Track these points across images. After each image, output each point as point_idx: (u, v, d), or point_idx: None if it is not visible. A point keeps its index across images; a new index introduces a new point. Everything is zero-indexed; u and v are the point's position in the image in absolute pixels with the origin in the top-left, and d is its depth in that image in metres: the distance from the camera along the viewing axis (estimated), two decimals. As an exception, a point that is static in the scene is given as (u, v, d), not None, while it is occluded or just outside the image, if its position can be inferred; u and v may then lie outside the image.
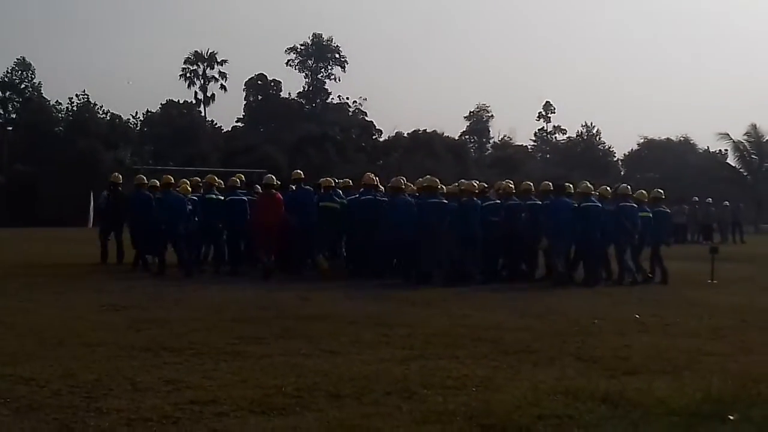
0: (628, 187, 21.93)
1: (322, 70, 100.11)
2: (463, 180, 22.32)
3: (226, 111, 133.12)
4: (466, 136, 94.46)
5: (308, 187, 21.79)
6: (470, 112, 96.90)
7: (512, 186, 21.66)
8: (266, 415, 7.32)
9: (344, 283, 18.88)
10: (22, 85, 76.90)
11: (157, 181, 22.52)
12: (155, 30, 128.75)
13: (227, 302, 15.01)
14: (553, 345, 10.92)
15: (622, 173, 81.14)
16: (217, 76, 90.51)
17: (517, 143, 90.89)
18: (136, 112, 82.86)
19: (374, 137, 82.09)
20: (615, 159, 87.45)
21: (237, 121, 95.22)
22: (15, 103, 75.69)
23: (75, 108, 74.63)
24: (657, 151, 79.96)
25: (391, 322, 12.64)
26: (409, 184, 21.86)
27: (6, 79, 75.70)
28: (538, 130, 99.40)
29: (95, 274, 20.52)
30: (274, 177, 21.63)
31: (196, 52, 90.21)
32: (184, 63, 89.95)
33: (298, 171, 22.59)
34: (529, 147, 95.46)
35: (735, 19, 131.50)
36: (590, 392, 8.15)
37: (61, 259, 23.90)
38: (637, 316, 13.96)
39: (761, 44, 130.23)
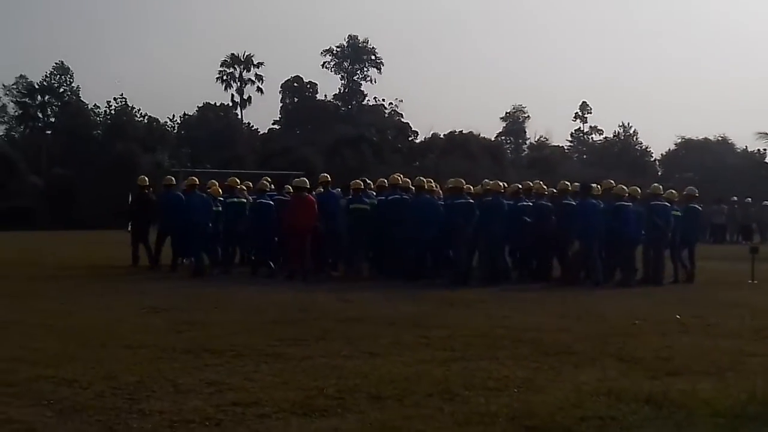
0: (659, 186, 21.86)
1: (358, 71, 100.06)
2: (487, 180, 22.32)
3: (263, 113, 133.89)
4: (503, 137, 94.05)
5: (336, 189, 22.03)
6: (506, 113, 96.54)
7: (544, 187, 21.88)
8: (308, 417, 7.33)
9: (383, 285, 18.87)
10: (61, 89, 77.70)
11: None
12: (192, 33, 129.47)
13: (267, 304, 15.05)
14: (593, 346, 10.85)
15: (659, 173, 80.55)
16: (253, 78, 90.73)
17: (553, 144, 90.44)
18: (174, 116, 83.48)
19: (410, 138, 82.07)
20: (652, 159, 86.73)
21: (273, 124, 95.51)
22: (54, 107, 76.50)
23: (113, 111, 75.29)
24: (695, 151, 79.22)
25: (430, 324, 12.63)
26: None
27: (45, 83, 76.48)
28: (575, 130, 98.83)
29: (135, 276, 20.66)
30: (306, 179, 21.74)
31: (232, 54, 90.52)
32: (221, 66, 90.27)
33: (325, 174, 22.70)
34: (565, 148, 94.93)
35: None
36: (633, 393, 8.10)
37: (101, 261, 24.07)
38: (677, 316, 13.84)
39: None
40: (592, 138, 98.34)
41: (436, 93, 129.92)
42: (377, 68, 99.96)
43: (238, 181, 22.74)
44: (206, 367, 9.34)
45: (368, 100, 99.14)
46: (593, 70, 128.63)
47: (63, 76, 78.22)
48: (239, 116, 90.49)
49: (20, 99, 76.81)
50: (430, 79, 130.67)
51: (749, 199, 44.55)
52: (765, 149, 72.51)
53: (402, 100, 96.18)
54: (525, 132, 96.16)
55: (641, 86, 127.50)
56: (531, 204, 20.97)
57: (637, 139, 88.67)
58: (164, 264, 22.41)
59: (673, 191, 22.04)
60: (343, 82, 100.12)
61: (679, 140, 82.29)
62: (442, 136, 75.75)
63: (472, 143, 71.87)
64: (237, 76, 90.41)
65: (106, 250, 27.20)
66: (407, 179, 21.87)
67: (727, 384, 8.69)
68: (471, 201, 20.27)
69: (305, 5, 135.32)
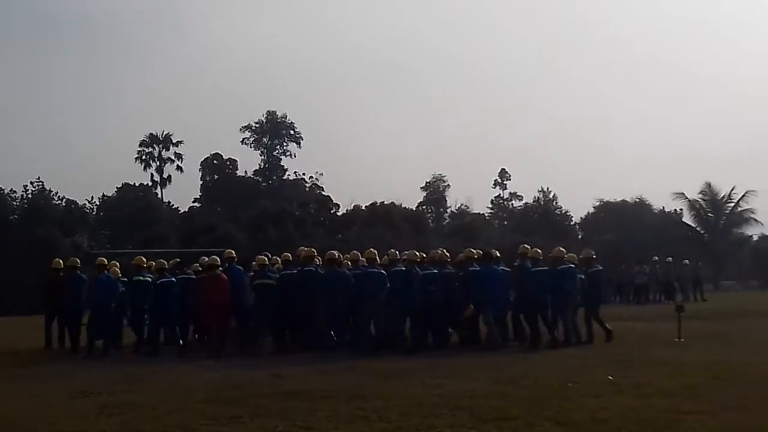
0: (563, 249, 22.18)
1: (278, 147, 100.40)
2: (392, 250, 22.73)
3: (183, 191, 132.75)
4: (424, 207, 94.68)
5: (239, 266, 22.12)
6: (426, 182, 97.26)
7: (447, 254, 22.04)
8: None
9: (314, 358, 18.74)
10: (-23, 175, 76.59)
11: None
12: (109, 113, 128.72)
13: (197, 383, 14.83)
14: (530, 410, 10.86)
15: (579, 236, 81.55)
16: (173, 157, 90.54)
17: (474, 211, 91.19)
18: (92, 197, 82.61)
19: (332, 211, 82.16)
20: (572, 223, 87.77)
21: (194, 201, 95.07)
22: (-30, 193, 75.24)
23: (30, 195, 74.37)
24: (613, 213, 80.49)
25: (365, 395, 12.55)
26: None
27: (-41, 169, 75.38)
28: (495, 197, 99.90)
29: (58, 360, 20.25)
30: (216, 257, 21.86)
31: (151, 134, 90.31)
32: (140, 146, 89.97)
33: (230, 250, 23.25)
34: (486, 215, 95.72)
35: (685, 77, 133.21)
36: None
37: (20, 347, 23.50)
38: (610, 377, 13.92)
39: (712, 101, 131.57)
40: (512, 204, 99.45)
41: (356, 165, 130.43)
42: (296, 143, 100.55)
43: (144, 260, 22.93)
44: (140, 450, 9.18)
45: (289, 175, 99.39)
46: (511, 137, 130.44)
47: (-22, 161, 77.42)
48: (159, 195, 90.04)
49: (-66, 185, 75.67)
50: (349, 151, 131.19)
51: (670, 258, 45.34)
52: (681, 209, 73.99)
53: (322, 174, 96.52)
54: (446, 200, 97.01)
55: (559, 151, 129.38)
56: (436, 272, 21.11)
57: (556, 203, 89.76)
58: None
59: (573, 255, 22.46)
60: (263, 157, 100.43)
61: (598, 203, 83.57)
62: (363, 207, 76.03)
63: (394, 213, 72.21)
64: (156, 155, 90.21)
65: (25, 336, 26.62)
66: (312, 251, 22.11)
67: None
68: (382, 271, 20.71)
69: (222, 83, 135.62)
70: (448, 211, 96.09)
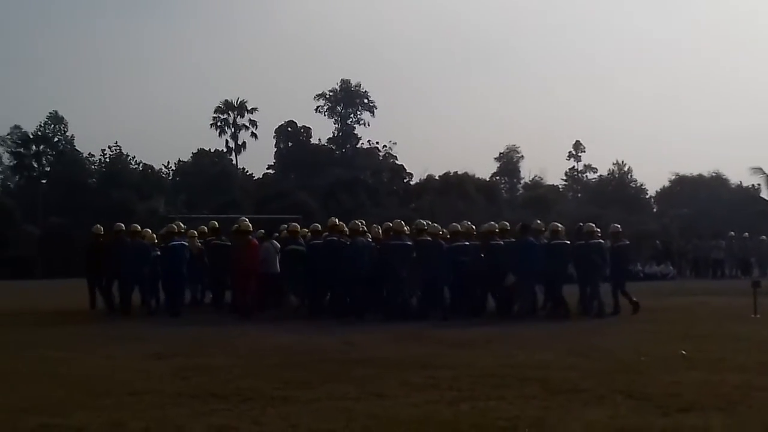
0: (592, 225, 22.61)
1: (351, 115, 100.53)
2: (419, 220, 23.22)
3: (257, 158, 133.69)
4: (497, 177, 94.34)
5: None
6: (500, 153, 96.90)
7: (473, 227, 22.97)
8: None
9: (386, 326, 18.80)
10: (55, 139, 77.83)
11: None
12: (185, 80, 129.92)
13: (270, 347, 14.98)
14: (602, 383, 10.77)
15: (654, 210, 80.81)
16: (247, 124, 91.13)
17: (548, 183, 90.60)
18: (168, 162, 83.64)
19: (405, 180, 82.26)
20: (647, 196, 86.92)
21: (268, 168, 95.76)
22: (49, 156, 76.51)
23: (108, 159, 75.48)
24: (689, 186, 79.58)
25: (436, 364, 12.55)
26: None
27: (39, 133, 76.60)
28: (569, 169, 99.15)
29: (135, 322, 20.54)
30: (248, 223, 23.03)
31: (226, 101, 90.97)
32: (215, 112, 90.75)
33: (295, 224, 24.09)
34: (560, 186, 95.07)
35: (761, 55, 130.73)
36: (644, 430, 8.05)
37: (98, 308, 23.91)
38: (683, 352, 13.76)
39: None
40: (586, 176, 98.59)
41: (430, 134, 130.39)
42: (370, 111, 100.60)
43: (178, 226, 24.30)
44: (213, 412, 9.26)
45: (362, 144, 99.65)
46: (586, 109, 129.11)
47: (57, 126, 78.43)
48: (234, 162, 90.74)
49: (15, 149, 76.88)
50: (423, 121, 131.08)
51: (746, 234, 44.64)
52: (759, 184, 72.74)
53: (396, 143, 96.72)
54: (519, 171, 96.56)
55: (635, 124, 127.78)
56: (467, 244, 21.82)
57: (631, 176, 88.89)
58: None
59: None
60: (336, 126, 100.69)
61: (674, 177, 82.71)
62: (437, 177, 75.94)
63: (467, 184, 72.08)
64: (231, 122, 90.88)
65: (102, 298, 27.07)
66: (342, 223, 22.85)
67: (738, 419, 8.65)
68: (408, 243, 21.41)
69: (298, 51, 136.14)
70: (522, 182, 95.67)
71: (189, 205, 67.17)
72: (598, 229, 22.98)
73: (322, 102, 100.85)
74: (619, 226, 23.52)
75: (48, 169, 76.92)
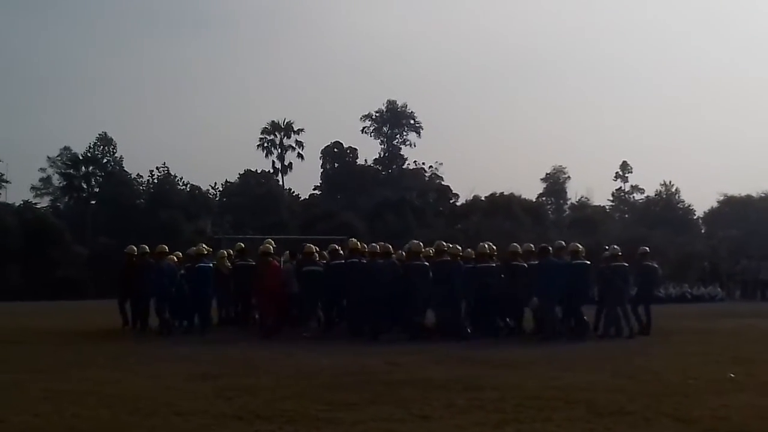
0: (617, 247, 22.99)
1: (398, 136, 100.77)
2: (438, 241, 23.22)
3: (304, 179, 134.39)
4: (544, 198, 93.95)
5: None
6: (547, 173, 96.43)
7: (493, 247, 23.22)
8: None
9: (431, 347, 18.79)
10: (104, 160, 78.52)
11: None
12: (233, 101, 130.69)
13: (315, 368, 14.99)
14: (648, 406, 10.70)
15: (702, 231, 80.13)
16: (294, 144, 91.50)
17: (594, 204, 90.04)
18: (216, 183, 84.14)
19: (452, 201, 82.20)
20: (695, 217, 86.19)
21: (314, 189, 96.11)
22: (98, 177, 77.13)
23: (156, 180, 76.07)
24: (738, 207, 78.80)
25: (481, 386, 12.53)
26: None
27: (89, 155, 77.31)
28: (616, 190, 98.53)
29: (181, 342, 20.67)
30: (270, 245, 23.44)
31: (273, 121, 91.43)
32: (262, 133, 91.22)
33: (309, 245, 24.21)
34: (607, 207, 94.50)
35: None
36: (692, 453, 7.99)
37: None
38: (731, 375, 13.64)
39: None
40: (633, 197, 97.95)
41: (476, 155, 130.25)
42: (416, 132, 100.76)
43: (205, 248, 24.79)
44: (258, 433, 9.31)
45: (408, 164, 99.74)
46: (633, 130, 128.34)
47: (106, 147, 79.12)
48: (280, 182, 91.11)
49: (65, 170, 77.63)
50: (469, 141, 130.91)
51: (796, 255, 44.20)
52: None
53: (442, 163, 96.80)
54: (566, 192, 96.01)
55: (682, 145, 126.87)
56: (492, 266, 22.35)
57: (679, 197, 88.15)
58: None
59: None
60: (382, 146, 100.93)
61: (722, 197, 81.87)
62: (483, 198, 75.76)
63: (513, 204, 71.83)
64: (278, 142, 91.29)
65: (151, 318, 27.28)
66: (365, 244, 23.52)
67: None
68: (426, 264, 21.66)
69: (344, 72, 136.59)
70: (568, 202, 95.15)
71: (236, 226, 67.47)
72: (647, 248, 23.49)
73: (368, 123, 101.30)
74: (647, 248, 24.00)
75: (97, 190, 77.55)
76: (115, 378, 14.05)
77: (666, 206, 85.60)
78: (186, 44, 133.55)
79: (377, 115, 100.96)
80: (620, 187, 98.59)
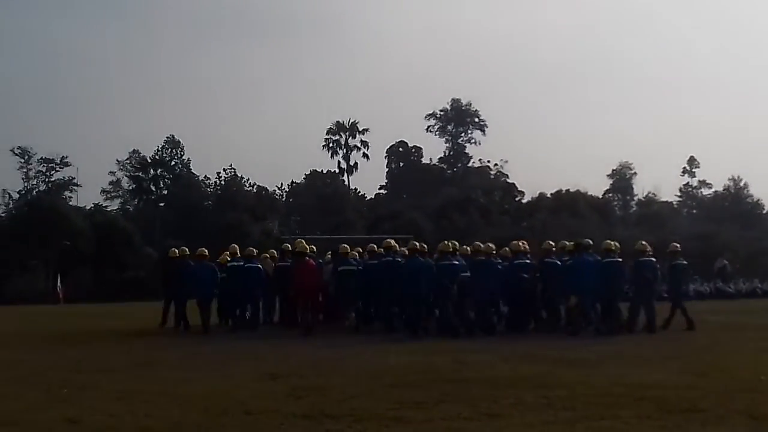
0: (644, 243, 23.20)
1: (462, 134, 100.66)
2: (476, 242, 24.20)
3: (369, 179, 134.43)
4: (610, 194, 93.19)
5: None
6: (613, 169, 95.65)
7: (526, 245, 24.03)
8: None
9: (499, 345, 18.76)
10: (172, 162, 79.36)
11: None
12: (298, 102, 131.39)
13: (383, 367, 15.01)
14: (720, 403, 10.59)
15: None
16: (359, 144, 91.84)
17: (662, 199, 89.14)
18: (282, 184, 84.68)
19: (517, 199, 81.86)
20: (765, 211, 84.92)
21: (380, 189, 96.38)
22: (166, 179, 78.07)
23: (223, 182, 76.72)
24: (809, 201, 77.73)
25: (549, 383, 12.47)
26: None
27: (157, 157, 78.21)
28: (684, 185, 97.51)
29: (250, 342, 20.81)
30: (305, 245, 24.23)
31: (338, 122, 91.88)
32: (327, 133, 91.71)
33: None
34: (674, 203, 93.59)
35: None
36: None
37: (214, 329, 24.37)
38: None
39: None
40: (701, 192, 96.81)
41: (541, 152, 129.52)
42: (481, 130, 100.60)
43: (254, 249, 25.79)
44: (327, 432, 9.35)
45: (473, 162, 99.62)
46: (700, 124, 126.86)
47: (174, 150, 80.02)
48: (346, 182, 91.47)
49: (134, 173, 78.71)
50: (534, 139, 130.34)
51: None
52: None
53: (507, 161, 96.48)
54: (633, 188, 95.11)
55: (751, 138, 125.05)
56: (528, 262, 23.32)
57: (747, 191, 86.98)
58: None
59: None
60: (447, 145, 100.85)
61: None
62: (549, 195, 75.40)
63: (579, 201, 71.39)
64: (343, 143, 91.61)
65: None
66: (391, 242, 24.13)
67: None
68: (455, 263, 22.32)
69: (408, 71, 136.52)
70: (635, 199, 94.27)
71: (302, 227, 67.86)
72: (678, 245, 24.15)
73: (432, 121, 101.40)
74: (678, 245, 24.32)
75: (165, 192, 78.51)
76: (186, 378, 14.18)
77: (734, 201, 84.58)
78: (251, 47, 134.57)
79: (442, 113, 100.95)
80: (688, 183, 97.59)
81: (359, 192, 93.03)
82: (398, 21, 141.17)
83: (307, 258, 23.55)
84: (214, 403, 11.36)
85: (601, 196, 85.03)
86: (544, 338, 20.55)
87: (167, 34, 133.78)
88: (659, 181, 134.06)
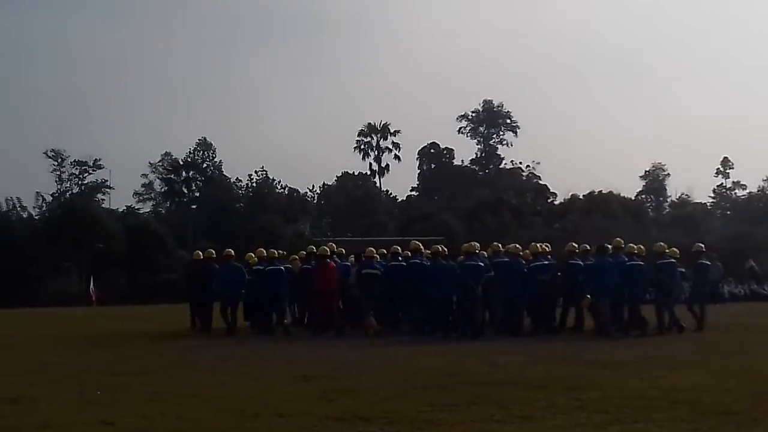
0: (663, 244, 23.54)
1: (494, 136, 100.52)
2: (495, 243, 24.75)
3: (401, 180, 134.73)
4: (643, 196, 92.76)
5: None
6: (646, 171, 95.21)
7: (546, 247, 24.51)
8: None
9: (531, 347, 18.73)
10: (204, 165, 79.74)
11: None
12: (329, 104, 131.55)
13: (415, 370, 14.99)
14: (754, 406, 10.52)
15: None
16: (390, 146, 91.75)
17: (695, 201, 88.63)
18: (313, 186, 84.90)
19: (549, 200, 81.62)
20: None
21: (411, 190, 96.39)
22: (198, 182, 78.45)
23: (254, 184, 76.99)
24: None
25: (582, 386, 12.43)
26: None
27: (189, 160, 78.61)
28: (717, 186, 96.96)
29: (282, 344, 20.87)
30: (326, 247, 25.08)
31: (369, 123, 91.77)
32: (358, 135, 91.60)
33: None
34: (708, 204, 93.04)
35: None
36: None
37: (244, 330, 24.51)
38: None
39: None
40: (735, 193, 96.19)
41: (574, 153, 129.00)
42: (513, 131, 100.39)
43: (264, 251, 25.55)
44: (360, 434, 9.36)
45: (505, 164, 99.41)
46: (733, 125, 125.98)
47: (206, 152, 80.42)
48: (378, 184, 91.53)
49: (166, 175, 79.13)
50: (567, 140, 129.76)
51: None
52: None
53: (539, 162, 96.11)
54: (666, 189, 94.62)
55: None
56: (546, 264, 23.58)
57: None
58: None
59: (675, 249, 23.69)
60: (479, 146, 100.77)
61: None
62: (581, 196, 75.07)
63: (612, 203, 71.07)
64: (374, 144, 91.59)
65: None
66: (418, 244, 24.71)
67: None
68: (480, 263, 22.42)
69: (439, 72, 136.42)
70: (668, 200, 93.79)
71: (334, 228, 68.01)
72: (702, 245, 24.80)
73: (464, 123, 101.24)
74: (702, 245, 24.84)
75: (197, 194, 78.90)
76: (218, 380, 14.22)
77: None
78: (281, 48, 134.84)
79: (473, 115, 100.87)
80: (722, 184, 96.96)
81: (391, 194, 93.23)
82: (430, 22, 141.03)
83: (328, 260, 24.00)
84: (246, 405, 11.39)
85: (633, 198, 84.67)
86: (577, 340, 20.50)
87: (199, 35, 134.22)
88: (693, 183, 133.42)
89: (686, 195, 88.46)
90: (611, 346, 18.73)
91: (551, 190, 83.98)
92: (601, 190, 74.35)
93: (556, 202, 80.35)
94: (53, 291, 55.72)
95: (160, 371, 15.58)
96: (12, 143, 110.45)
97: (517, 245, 23.87)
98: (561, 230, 57.68)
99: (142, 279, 57.60)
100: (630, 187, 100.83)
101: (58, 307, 46.26)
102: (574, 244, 24.00)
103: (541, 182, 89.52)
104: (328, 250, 24.55)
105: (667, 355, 16.99)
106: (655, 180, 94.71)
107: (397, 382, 13.38)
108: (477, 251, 23.04)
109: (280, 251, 26.65)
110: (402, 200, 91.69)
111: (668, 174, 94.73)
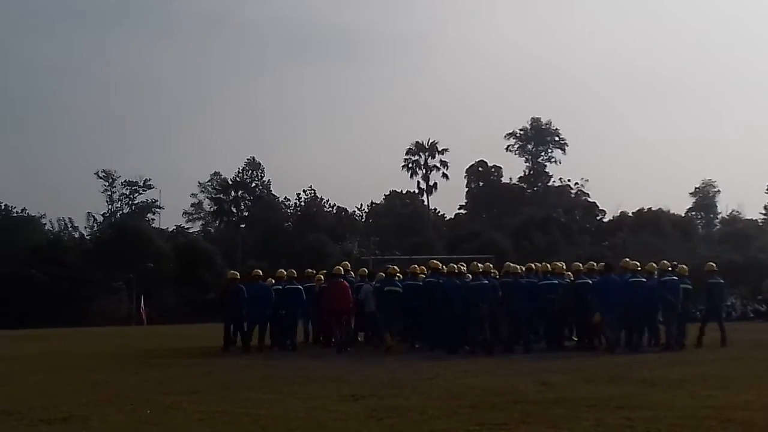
0: (666, 262, 24.10)
1: (542, 153, 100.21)
2: (507, 263, 25.48)
3: (449, 199, 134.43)
4: (693, 213, 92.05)
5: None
6: (696, 188, 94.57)
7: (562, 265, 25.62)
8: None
9: (581, 365, 18.62)
10: (253, 184, 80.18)
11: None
12: (377, 123, 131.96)
13: (464, 388, 14.95)
14: (808, 425, 10.40)
15: None
16: (438, 164, 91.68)
17: (746, 217, 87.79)
18: (361, 204, 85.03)
19: (598, 218, 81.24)
20: None
21: (459, 208, 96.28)
22: (247, 201, 78.92)
23: (303, 203, 77.28)
24: None
25: (632, 404, 12.33)
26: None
27: (238, 179, 79.09)
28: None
29: (330, 363, 20.90)
30: (341, 267, 25.81)
31: (417, 142, 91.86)
32: (406, 154, 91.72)
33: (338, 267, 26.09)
34: (759, 221, 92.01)
35: None
36: None
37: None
38: None
39: None
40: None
41: (623, 170, 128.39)
42: (561, 149, 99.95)
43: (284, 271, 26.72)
44: (408, 453, 9.34)
45: (554, 181, 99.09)
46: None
47: (255, 171, 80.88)
48: (426, 202, 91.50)
49: (215, 195, 79.67)
50: (615, 157, 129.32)
51: None
52: None
53: (588, 180, 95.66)
54: (716, 206, 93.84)
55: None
56: (556, 282, 24.12)
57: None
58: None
59: (684, 266, 24.09)
60: (527, 164, 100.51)
61: None
62: (630, 213, 74.74)
63: (661, 220, 70.65)
64: (422, 163, 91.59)
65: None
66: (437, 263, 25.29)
67: None
68: (486, 283, 23.25)
69: (487, 90, 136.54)
70: (719, 217, 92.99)
71: (382, 247, 68.00)
72: (714, 264, 25.19)
73: (512, 140, 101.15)
74: (714, 264, 25.14)
75: (246, 213, 79.31)
76: (268, 399, 14.23)
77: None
78: (329, 68, 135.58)
79: (521, 132, 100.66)
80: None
81: (438, 212, 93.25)
82: (477, 40, 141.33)
83: (341, 279, 24.60)
84: (296, 425, 11.39)
85: (683, 215, 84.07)
86: (627, 358, 20.29)
87: (248, 57, 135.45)
88: (743, 199, 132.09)
89: (737, 211, 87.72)
90: (661, 364, 18.62)
91: (600, 208, 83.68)
92: (650, 207, 74.09)
93: (605, 220, 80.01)
94: (104, 310, 56.26)
95: (210, 390, 15.62)
96: (64, 164, 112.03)
97: (518, 266, 24.61)
98: (610, 248, 57.37)
99: (192, 298, 57.94)
100: (680, 204, 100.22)
101: (109, 326, 46.65)
102: (579, 263, 24.99)
103: (589, 200, 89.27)
104: (341, 269, 25.21)
105: (718, 373, 16.81)
106: (705, 197, 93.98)
107: (445, 401, 13.34)
108: (490, 271, 24.06)
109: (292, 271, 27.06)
110: (450, 218, 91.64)
111: (718, 191, 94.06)
